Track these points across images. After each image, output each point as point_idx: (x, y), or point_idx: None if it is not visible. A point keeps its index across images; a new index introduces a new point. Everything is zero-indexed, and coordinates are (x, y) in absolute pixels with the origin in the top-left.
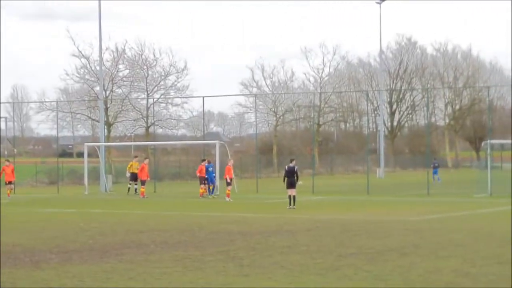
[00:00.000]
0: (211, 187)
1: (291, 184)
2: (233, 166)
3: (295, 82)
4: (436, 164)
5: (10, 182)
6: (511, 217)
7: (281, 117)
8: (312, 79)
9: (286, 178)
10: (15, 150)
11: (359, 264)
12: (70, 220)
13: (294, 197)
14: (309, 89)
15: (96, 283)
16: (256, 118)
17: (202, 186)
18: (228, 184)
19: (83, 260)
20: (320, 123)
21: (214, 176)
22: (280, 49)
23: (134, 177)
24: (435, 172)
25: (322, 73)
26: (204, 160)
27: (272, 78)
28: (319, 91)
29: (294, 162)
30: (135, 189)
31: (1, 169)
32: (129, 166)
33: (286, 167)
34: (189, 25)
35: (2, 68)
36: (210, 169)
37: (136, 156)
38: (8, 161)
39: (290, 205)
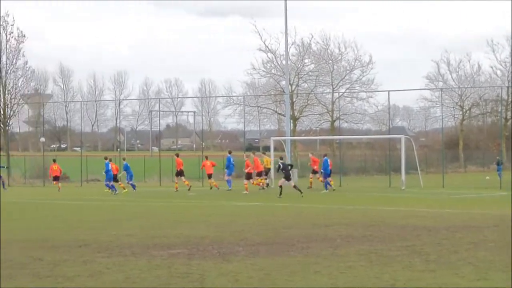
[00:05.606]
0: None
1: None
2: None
3: (482, 76)
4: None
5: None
6: None
7: (468, 112)
8: (499, 73)
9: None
10: (203, 143)
11: None
12: (255, 213)
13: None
14: (496, 83)
15: (281, 277)
16: (442, 113)
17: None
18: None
19: (269, 253)
20: (508, 117)
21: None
22: (466, 42)
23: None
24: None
25: (509, 66)
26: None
27: (458, 72)
28: (506, 85)
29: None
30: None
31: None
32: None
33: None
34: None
35: (191, 65)
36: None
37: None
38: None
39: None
